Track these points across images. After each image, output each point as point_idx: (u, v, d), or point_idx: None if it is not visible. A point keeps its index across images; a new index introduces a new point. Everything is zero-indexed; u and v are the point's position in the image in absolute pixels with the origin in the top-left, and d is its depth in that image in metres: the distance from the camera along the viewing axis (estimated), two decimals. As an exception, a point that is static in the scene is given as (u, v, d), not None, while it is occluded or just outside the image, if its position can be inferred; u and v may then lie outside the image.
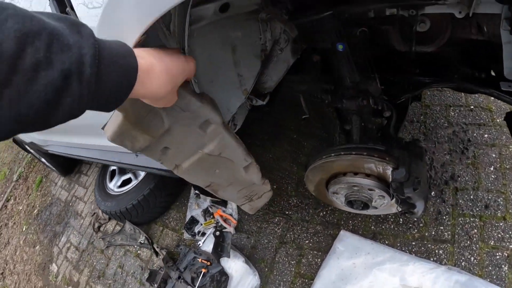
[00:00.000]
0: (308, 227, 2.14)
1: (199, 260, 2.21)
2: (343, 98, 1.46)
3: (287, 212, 2.25)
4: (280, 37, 1.66)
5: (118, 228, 2.93)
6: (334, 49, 1.33)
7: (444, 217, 1.94)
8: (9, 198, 4.84)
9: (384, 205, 1.56)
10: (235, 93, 1.75)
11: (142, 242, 2.65)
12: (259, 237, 2.23)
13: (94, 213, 3.24)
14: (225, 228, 2.28)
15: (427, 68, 1.57)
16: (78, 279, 2.97)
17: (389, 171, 1.35)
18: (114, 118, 0.96)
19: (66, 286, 3.03)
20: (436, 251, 1.85)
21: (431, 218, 1.97)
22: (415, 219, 2.00)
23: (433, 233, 1.91)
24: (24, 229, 4.06)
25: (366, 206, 1.54)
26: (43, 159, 3.86)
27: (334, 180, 1.48)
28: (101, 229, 3.12)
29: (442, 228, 1.90)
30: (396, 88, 1.65)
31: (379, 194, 1.47)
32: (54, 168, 3.95)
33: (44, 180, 4.53)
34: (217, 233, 2.18)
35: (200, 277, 2.11)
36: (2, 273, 3.79)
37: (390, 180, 1.35)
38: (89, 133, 2.06)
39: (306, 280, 1.99)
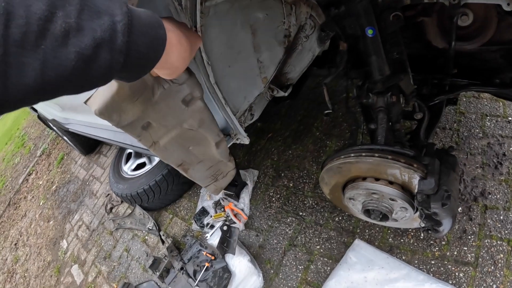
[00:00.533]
0: (321, 231, 2.02)
1: (204, 253, 2.14)
2: (369, 92, 1.32)
3: (300, 213, 2.14)
4: (306, 22, 1.54)
5: (129, 211, 2.91)
6: (364, 35, 1.19)
7: (469, 237, 1.78)
8: (31, 172, 4.96)
9: (406, 218, 1.42)
10: (254, 80, 1.65)
11: (151, 228, 2.61)
12: (268, 236, 2.13)
13: (108, 194, 3.25)
14: (234, 223, 2.20)
15: (465, 70, 1.42)
16: (85, 257, 2.98)
17: (415, 180, 1.20)
18: (102, 91, 0.92)
19: (72, 263, 3.05)
20: (457, 273, 1.69)
21: (455, 236, 1.80)
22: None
23: (455, 253, 1.75)
24: (41, 203, 4.14)
25: (385, 217, 1.40)
26: (65, 137, 3.92)
27: (351, 185, 1.34)
28: (113, 210, 3.11)
29: (465, 249, 1.74)
30: (430, 88, 1.50)
31: (402, 205, 1.31)
32: (75, 147, 4.01)
33: (65, 157, 4.61)
34: (225, 227, 2.09)
35: (203, 271, 2.04)
36: (16, 244, 3.88)
37: (416, 191, 1.20)
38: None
39: (312, 288, 1.88)
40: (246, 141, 1.68)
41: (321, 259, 1.94)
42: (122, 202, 3.10)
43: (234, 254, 1.97)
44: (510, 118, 2.11)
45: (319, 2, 1.31)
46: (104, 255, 2.84)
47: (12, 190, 4.91)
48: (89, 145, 4.04)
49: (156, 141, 1.19)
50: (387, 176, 1.25)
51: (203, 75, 1.50)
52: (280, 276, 1.96)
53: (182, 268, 2.16)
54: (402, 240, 1.89)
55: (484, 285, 1.60)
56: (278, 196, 2.25)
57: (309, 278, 1.91)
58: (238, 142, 1.70)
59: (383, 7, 1.13)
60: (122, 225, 2.87)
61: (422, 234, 1.88)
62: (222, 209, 2.32)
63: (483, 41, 1.21)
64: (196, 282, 2.02)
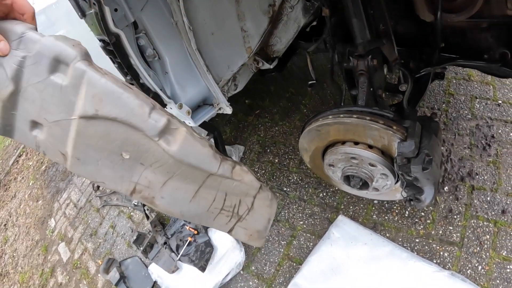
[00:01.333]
0: (305, 207, 2.00)
1: (187, 228, 2.12)
2: (350, 56, 1.28)
3: (285, 189, 2.11)
4: (289, -9, 1.52)
5: (116, 189, 2.88)
6: None
7: (455, 217, 1.76)
8: (21, 153, 4.92)
9: (387, 187, 1.39)
10: (238, 50, 1.62)
11: (136, 204, 2.59)
12: (251, 211, 2.11)
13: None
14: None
15: (455, 46, 1.38)
16: (72, 235, 2.96)
17: (395, 143, 1.16)
18: None
19: (59, 241, 3.03)
20: (441, 253, 1.68)
21: (441, 215, 1.79)
22: (423, 213, 1.83)
23: (440, 232, 1.74)
24: (30, 183, 4.11)
25: (365, 184, 1.37)
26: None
27: (330, 150, 1.32)
28: (100, 188, 3.09)
29: (451, 228, 1.73)
30: (417, 61, 1.47)
31: (382, 172, 1.29)
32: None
33: (56, 138, 4.56)
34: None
35: (185, 246, 2.02)
36: (5, 225, 3.86)
37: (396, 154, 1.17)
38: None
39: (294, 264, 1.86)
40: (228, 110, 1.65)
41: (304, 234, 1.92)
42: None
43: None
44: (500, 102, 2.10)
45: None
46: (90, 232, 2.82)
47: (2, 172, 4.87)
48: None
49: None
50: (366, 139, 1.22)
51: (184, 40, 1.47)
52: (262, 251, 1.95)
53: (165, 243, 2.14)
54: (386, 217, 1.87)
55: (469, 265, 1.60)
56: (263, 171, 2.23)
57: (291, 254, 1.89)
58: (220, 112, 1.68)
59: None
60: (108, 202, 2.85)
61: (407, 212, 1.86)
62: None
63: (470, 14, 1.17)
64: (179, 256, 2.00)
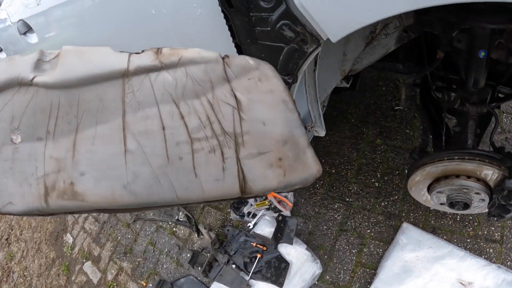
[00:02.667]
0: (370, 216, 2.12)
1: (253, 244, 2.13)
2: (466, 102, 1.48)
3: (347, 199, 2.21)
4: (392, 21, 1.57)
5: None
6: (473, 54, 1.31)
7: (495, 220, 1.99)
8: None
9: (479, 207, 1.61)
10: (335, 73, 1.65)
11: (181, 219, 2.53)
12: (317, 222, 2.18)
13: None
14: (280, 210, 2.21)
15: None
16: (99, 253, 2.82)
17: (499, 178, 1.40)
18: None
19: (84, 260, 2.87)
20: (487, 249, 1.92)
21: (484, 218, 2.02)
22: (470, 217, 2.06)
23: (485, 232, 1.97)
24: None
25: (466, 207, 1.56)
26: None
27: (445, 181, 1.49)
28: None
29: (493, 228, 1.97)
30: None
31: (482, 197, 1.50)
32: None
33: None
34: (280, 217, 2.10)
35: (255, 262, 2.05)
36: (7, 239, 3.54)
37: (502, 187, 1.39)
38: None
39: (368, 270, 1.98)
40: (322, 133, 1.69)
41: (373, 242, 2.05)
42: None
43: (291, 244, 2.00)
44: None
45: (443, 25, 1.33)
46: (123, 250, 2.70)
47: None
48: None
49: None
50: (479, 174, 1.43)
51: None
52: (335, 261, 2.04)
53: (228, 261, 2.14)
54: (442, 222, 2.06)
55: (509, 258, 1.86)
56: (322, 182, 2.30)
57: (363, 261, 2.01)
58: (315, 134, 1.71)
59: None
60: (141, 216, 2.74)
61: (458, 217, 2.06)
62: (264, 197, 2.32)
63: None
64: (250, 274, 2.02)
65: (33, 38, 1.74)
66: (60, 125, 0.55)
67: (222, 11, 0.87)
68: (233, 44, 1.01)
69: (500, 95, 1.60)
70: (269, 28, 0.85)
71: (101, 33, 1.36)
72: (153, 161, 0.53)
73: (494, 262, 1.84)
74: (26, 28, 1.74)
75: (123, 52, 0.55)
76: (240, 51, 0.99)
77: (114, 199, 0.58)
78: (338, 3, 0.79)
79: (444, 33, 1.30)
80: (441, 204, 1.63)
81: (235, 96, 0.63)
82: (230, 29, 0.93)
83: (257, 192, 0.67)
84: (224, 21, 0.92)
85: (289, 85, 1.05)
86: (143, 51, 0.60)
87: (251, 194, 0.67)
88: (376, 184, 2.24)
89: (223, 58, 0.68)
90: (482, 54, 1.26)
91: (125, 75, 0.55)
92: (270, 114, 0.63)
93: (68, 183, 0.59)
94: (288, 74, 0.98)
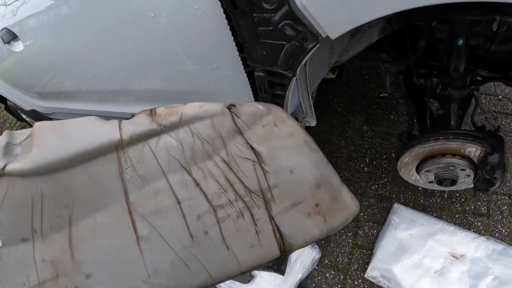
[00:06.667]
0: (362, 200, 2.21)
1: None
2: (449, 86, 1.58)
3: (339, 186, 2.30)
4: (375, 14, 1.64)
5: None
6: (453, 42, 1.40)
7: (481, 194, 2.15)
8: None
9: (465, 183, 1.73)
10: (322, 65, 1.72)
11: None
12: (312, 210, 2.26)
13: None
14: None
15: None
16: None
17: (482, 154, 1.52)
18: None
19: None
20: (475, 223, 2.07)
21: (470, 194, 2.17)
22: (457, 194, 2.19)
23: (472, 207, 2.12)
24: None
25: (453, 183, 1.68)
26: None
27: (432, 160, 1.60)
28: None
29: (479, 203, 2.13)
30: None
31: (467, 173, 1.63)
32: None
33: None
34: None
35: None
36: None
37: (485, 162, 1.51)
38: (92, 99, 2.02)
39: (364, 251, 2.08)
40: (313, 122, 1.76)
41: (367, 224, 2.14)
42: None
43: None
44: (500, 97, 2.52)
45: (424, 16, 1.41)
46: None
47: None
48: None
49: None
50: (463, 152, 1.54)
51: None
52: (332, 245, 2.12)
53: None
54: (431, 200, 2.18)
55: (496, 230, 2.02)
56: (314, 172, 2.38)
57: (359, 243, 2.10)
58: (306, 124, 1.77)
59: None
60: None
61: (445, 194, 2.19)
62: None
63: None
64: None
65: (18, 46, 1.73)
66: (47, 220, 0.46)
67: (225, 12, 0.92)
68: (233, 43, 1.06)
69: (478, 78, 1.69)
70: (271, 28, 0.91)
71: (91, 40, 1.37)
72: (174, 244, 0.47)
73: (483, 235, 2.00)
74: (11, 37, 1.73)
75: (110, 120, 0.47)
76: (241, 49, 1.05)
77: None
78: (338, 3, 0.85)
79: (426, 24, 1.38)
80: (429, 182, 1.73)
81: (253, 148, 0.57)
82: (232, 28, 0.99)
83: (299, 247, 0.62)
84: (226, 21, 0.97)
85: (289, 79, 1.11)
86: (133, 115, 0.51)
87: (291, 251, 0.61)
88: (366, 169, 2.34)
89: (229, 109, 0.60)
90: (460, 41, 1.36)
91: (118, 146, 0.47)
92: (296, 159, 0.58)
93: None
94: (288, 69, 1.05)
